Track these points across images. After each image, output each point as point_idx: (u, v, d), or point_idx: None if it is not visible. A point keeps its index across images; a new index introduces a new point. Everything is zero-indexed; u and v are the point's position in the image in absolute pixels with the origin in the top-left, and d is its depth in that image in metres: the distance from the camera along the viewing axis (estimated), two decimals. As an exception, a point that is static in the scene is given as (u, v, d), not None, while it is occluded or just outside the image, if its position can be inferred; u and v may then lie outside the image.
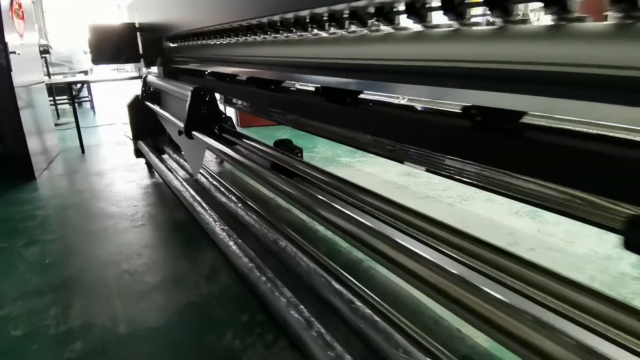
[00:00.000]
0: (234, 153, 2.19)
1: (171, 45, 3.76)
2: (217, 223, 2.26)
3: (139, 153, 4.03)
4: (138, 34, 3.78)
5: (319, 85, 1.71)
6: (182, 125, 2.50)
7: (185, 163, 3.31)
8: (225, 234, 2.14)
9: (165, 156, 3.66)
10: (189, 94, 2.39)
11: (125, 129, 5.89)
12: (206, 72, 3.51)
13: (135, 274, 2.24)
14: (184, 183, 2.89)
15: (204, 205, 2.51)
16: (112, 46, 3.62)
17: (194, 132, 2.41)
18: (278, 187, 1.76)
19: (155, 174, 3.91)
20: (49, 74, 6.14)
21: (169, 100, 3.17)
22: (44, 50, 5.78)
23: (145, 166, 4.13)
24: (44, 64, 6.40)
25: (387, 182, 3.69)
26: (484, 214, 3.04)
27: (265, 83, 2.13)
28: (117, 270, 2.27)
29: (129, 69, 9.45)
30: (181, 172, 3.28)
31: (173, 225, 2.85)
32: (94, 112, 7.82)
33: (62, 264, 2.37)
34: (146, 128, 3.98)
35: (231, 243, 2.06)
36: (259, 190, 3.01)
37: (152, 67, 4.59)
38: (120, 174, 4.00)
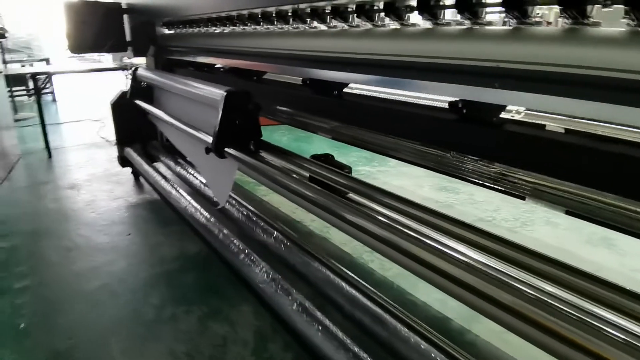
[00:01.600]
0: (283, 177, 1.63)
1: (167, 31, 3.10)
2: (259, 268, 1.67)
3: (124, 161, 3.33)
4: (125, 16, 3.09)
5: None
6: (205, 138, 1.90)
7: (189, 176, 2.68)
8: (276, 286, 1.57)
9: (163, 168, 2.99)
10: (221, 98, 1.79)
11: (97, 127, 5.10)
12: (220, 68, 2.89)
13: (147, 339, 1.63)
14: (195, 203, 2.26)
15: (234, 238, 1.90)
16: (94, 31, 2.92)
17: (227, 150, 1.81)
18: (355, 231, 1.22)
19: (145, 186, 3.24)
20: (4, 62, 5.25)
21: (174, 101, 2.53)
22: (-2, 34, 4.90)
23: (131, 177, 3.44)
24: (-1, 50, 5.47)
25: (425, 200, 3.19)
26: (553, 243, 2.60)
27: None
28: (129, 341, 1.66)
29: (97, 57, 8.48)
30: (183, 188, 2.63)
31: (186, 262, 2.23)
32: (56, 106, 6.89)
33: (44, 331, 1.72)
34: (134, 131, 3.29)
35: (286, 299, 1.50)
36: (288, 210, 2.45)
37: (131, 58, 3.89)
38: (101, 187, 3.29)
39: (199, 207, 2.21)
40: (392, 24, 1.34)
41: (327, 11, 1.60)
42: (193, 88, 2.05)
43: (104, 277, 2.09)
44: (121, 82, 6.72)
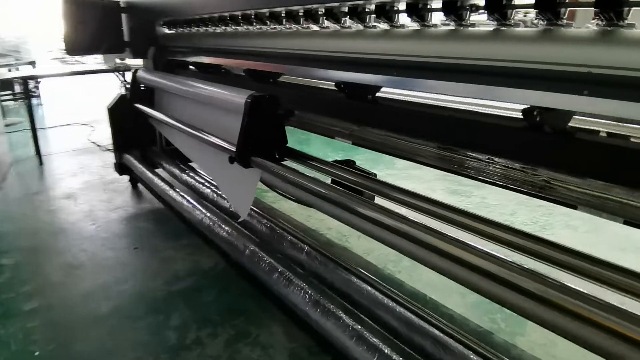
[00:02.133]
0: (315, 186, 1.52)
1: (168, 31, 2.94)
2: (296, 287, 1.54)
3: (123, 169, 3.16)
4: (123, 15, 2.91)
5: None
6: (226, 146, 1.76)
7: (199, 185, 2.52)
8: (318, 306, 1.44)
9: (166, 176, 2.83)
10: (244, 103, 1.65)
11: (87, 132, 4.88)
12: (226, 69, 2.74)
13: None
14: (211, 215, 2.11)
15: (263, 254, 1.76)
16: (91, 32, 2.74)
17: (254, 159, 1.68)
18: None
19: (145, 195, 3.07)
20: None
21: (182, 105, 2.38)
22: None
23: (128, 184, 3.27)
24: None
25: (440, 204, 3.11)
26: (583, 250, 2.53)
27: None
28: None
29: (79, 59, 8.16)
30: (193, 198, 2.47)
31: (202, 278, 2.09)
32: (42, 110, 6.58)
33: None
34: (133, 137, 3.12)
35: (330, 320, 1.38)
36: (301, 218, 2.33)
37: (129, 59, 3.71)
38: (98, 197, 3.11)
39: (216, 219, 2.06)
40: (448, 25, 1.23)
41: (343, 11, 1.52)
42: (211, 92, 1.90)
43: (116, 297, 1.94)
44: (111, 85, 6.50)
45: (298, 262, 1.70)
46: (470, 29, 1.21)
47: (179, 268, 2.17)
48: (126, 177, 3.25)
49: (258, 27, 2.11)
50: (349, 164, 1.98)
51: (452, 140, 1.45)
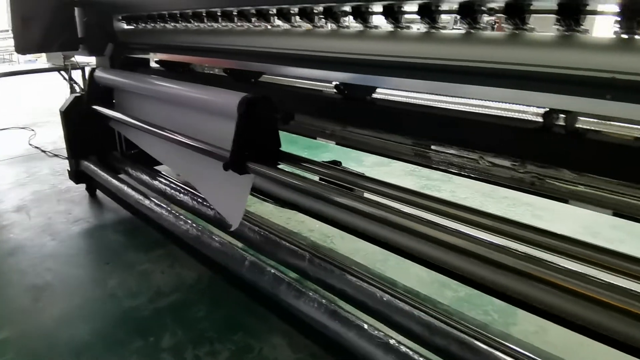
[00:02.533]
0: (315, 188, 1.48)
1: (127, 27, 2.74)
2: (316, 304, 1.47)
3: (80, 177, 2.91)
4: (76, 10, 2.67)
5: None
6: (215, 151, 1.66)
7: (171, 190, 2.35)
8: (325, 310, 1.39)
9: (132, 182, 2.63)
10: (238, 105, 1.56)
11: (27, 136, 4.47)
12: (196, 67, 2.59)
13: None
14: (196, 225, 1.98)
15: (258, 260, 1.68)
16: (41, 28, 2.49)
17: (250, 165, 1.58)
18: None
19: (107, 204, 2.85)
20: None
21: (151, 107, 2.22)
22: None
23: (84, 193, 3.01)
24: None
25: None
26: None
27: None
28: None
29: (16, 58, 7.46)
30: (170, 205, 2.31)
31: (188, 292, 1.96)
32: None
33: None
34: (91, 141, 2.89)
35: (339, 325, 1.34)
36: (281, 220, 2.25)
37: (77, 56, 3.45)
38: (53, 208, 2.84)
39: (203, 228, 1.94)
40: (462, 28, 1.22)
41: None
42: (196, 93, 1.78)
43: (95, 320, 1.77)
44: (52, 85, 6.01)
45: (301, 270, 1.63)
46: (483, 32, 1.21)
47: (160, 283, 2.02)
48: (82, 185, 3.00)
49: (224, 24, 2.02)
50: (335, 164, 1.95)
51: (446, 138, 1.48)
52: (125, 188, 2.45)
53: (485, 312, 1.99)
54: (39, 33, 2.48)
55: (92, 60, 3.80)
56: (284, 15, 1.70)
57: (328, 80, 1.75)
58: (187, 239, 2.00)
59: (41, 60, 7.58)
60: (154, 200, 2.27)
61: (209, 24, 2.12)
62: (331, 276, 1.54)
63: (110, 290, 1.96)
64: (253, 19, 1.86)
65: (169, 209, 2.16)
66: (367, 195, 1.64)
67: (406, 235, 1.46)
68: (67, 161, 3.75)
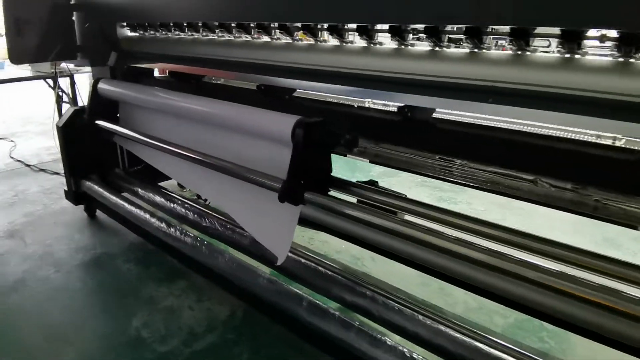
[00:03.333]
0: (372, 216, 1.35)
1: (131, 34, 2.52)
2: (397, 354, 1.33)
3: (80, 198, 2.66)
4: (75, 15, 2.43)
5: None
6: (264, 179, 1.48)
7: (194, 215, 2.15)
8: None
9: (143, 204, 2.40)
10: (293, 130, 1.39)
11: (7, 148, 4.12)
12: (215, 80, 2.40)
13: None
14: (235, 257, 1.80)
15: (329, 307, 1.52)
16: (37, 34, 2.24)
17: (308, 195, 1.42)
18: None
19: (110, 227, 2.61)
20: None
21: (169, 124, 2.02)
22: None
23: (82, 214, 2.76)
24: None
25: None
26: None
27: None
28: None
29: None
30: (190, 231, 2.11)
31: (225, 331, 1.78)
32: None
33: None
34: (92, 159, 2.65)
35: None
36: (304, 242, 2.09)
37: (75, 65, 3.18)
38: (50, 233, 2.58)
39: (245, 262, 1.76)
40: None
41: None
42: (239, 113, 1.59)
43: (127, 370, 1.57)
44: (30, 93, 5.60)
45: (363, 310, 1.48)
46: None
47: (190, 321, 1.83)
48: (78, 206, 2.75)
49: (257, 37, 1.86)
50: (372, 184, 1.81)
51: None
52: (136, 210, 2.24)
53: (540, 339, 1.89)
54: (35, 40, 2.23)
55: (84, 68, 3.53)
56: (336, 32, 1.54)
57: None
58: (220, 271, 1.81)
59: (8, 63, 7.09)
60: (173, 224, 2.07)
61: (235, 34, 1.95)
62: (404, 319, 1.40)
63: (136, 333, 1.76)
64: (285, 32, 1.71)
65: (192, 234, 1.97)
66: (407, 217, 1.55)
67: (454, 259, 1.40)
68: (55, 177, 3.50)
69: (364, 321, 1.48)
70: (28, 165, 3.71)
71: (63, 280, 2.11)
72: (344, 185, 1.61)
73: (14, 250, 2.37)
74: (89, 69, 3.64)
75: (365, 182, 1.78)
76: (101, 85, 2.35)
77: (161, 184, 2.61)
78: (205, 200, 2.67)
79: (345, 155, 1.70)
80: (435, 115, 1.56)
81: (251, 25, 1.82)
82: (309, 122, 1.39)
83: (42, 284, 2.08)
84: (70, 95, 3.63)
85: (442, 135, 1.55)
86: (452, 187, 3.61)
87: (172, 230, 2.05)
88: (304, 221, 1.72)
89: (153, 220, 2.15)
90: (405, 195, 1.71)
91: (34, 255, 2.33)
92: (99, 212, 2.74)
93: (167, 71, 2.55)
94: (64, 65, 3.30)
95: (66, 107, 3.70)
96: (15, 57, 2.13)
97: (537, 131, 1.37)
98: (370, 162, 1.74)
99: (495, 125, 1.38)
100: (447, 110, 1.49)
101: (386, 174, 3.63)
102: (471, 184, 1.58)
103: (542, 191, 1.42)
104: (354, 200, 1.62)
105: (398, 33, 1.37)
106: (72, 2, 2.39)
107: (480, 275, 1.37)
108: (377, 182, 1.89)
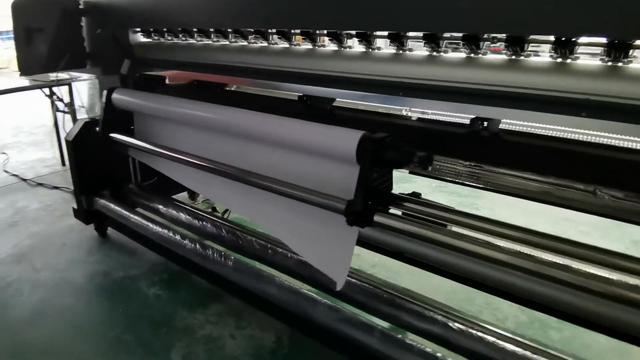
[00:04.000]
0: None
1: (145, 40, 2.35)
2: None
3: (91, 216, 2.48)
4: (85, 21, 2.25)
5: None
6: (325, 201, 1.36)
7: (228, 234, 2.00)
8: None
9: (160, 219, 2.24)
10: (358, 146, 1.27)
11: (2, 161, 3.87)
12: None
13: None
14: (291, 285, 1.66)
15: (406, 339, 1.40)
16: (46, 44, 2.06)
17: (379, 218, 1.30)
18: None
19: (126, 246, 2.44)
20: None
21: (198, 137, 1.87)
22: None
23: (92, 233, 2.58)
24: None
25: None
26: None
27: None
28: None
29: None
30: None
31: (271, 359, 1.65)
32: None
33: None
34: (103, 174, 2.47)
35: None
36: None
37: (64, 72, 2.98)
38: (60, 255, 2.39)
39: (302, 290, 1.63)
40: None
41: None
42: (293, 128, 1.46)
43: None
44: (17, 99, 5.31)
45: (438, 338, 1.37)
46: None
47: (236, 352, 1.69)
48: (85, 224, 2.56)
49: (296, 43, 1.73)
50: (416, 196, 1.71)
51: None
52: (161, 229, 2.08)
53: (599, 355, 1.81)
54: (44, 50, 2.05)
55: (82, 75, 3.33)
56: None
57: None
58: (264, 294, 1.68)
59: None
60: (201, 243, 1.93)
61: (272, 41, 1.81)
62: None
63: (178, 366, 1.61)
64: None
65: (224, 253, 1.83)
66: (455, 229, 1.46)
67: (507, 271, 1.34)
68: (54, 191, 3.29)
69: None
70: (24, 180, 3.48)
71: (84, 311, 1.94)
72: (402, 201, 1.50)
73: (24, 278, 2.18)
74: (87, 76, 3.46)
75: (409, 195, 1.68)
76: (116, 96, 2.18)
77: (173, 196, 2.46)
78: (223, 213, 2.53)
79: (417, 174, 1.63)
80: (501, 126, 1.47)
81: (292, 31, 1.68)
82: (376, 138, 1.27)
83: (60, 316, 1.90)
84: (65, 103, 3.42)
85: (509, 147, 1.46)
86: (470, 192, 3.56)
87: (204, 250, 1.90)
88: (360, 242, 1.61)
89: (183, 240, 1.99)
90: (453, 208, 1.61)
91: (47, 282, 2.15)
92: (110, 231, 2.57)
93: (187, 80, 2.39)
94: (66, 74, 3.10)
95: (61, 116, 3.49)
96: (26, 68, 1.95)
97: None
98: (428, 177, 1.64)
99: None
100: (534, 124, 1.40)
101: (401, 179, 3.53)
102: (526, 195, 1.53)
103: (602, 202, 1.37)
104: (398, 213, 1.52)
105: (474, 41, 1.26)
106: (81, 7, 2.21)
107: (537, 287, 1.33)
108: (420, 194, 1.79)
